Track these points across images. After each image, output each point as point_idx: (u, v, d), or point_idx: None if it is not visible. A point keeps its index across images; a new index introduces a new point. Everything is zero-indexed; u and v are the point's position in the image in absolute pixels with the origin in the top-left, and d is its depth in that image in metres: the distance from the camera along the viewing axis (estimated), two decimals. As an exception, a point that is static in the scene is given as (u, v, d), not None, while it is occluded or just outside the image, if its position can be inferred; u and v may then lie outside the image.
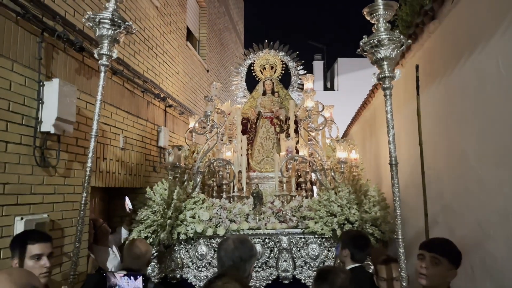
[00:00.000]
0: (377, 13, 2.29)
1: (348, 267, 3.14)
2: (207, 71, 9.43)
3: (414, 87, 3.67)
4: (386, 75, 2.35)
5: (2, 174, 2.88)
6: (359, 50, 2.42)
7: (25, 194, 3.09)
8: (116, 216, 5.41)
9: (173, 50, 6.90)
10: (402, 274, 2.30)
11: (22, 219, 3.04)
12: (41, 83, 3.24)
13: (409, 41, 2.39)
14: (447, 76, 3.12)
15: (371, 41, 2.30)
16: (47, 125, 3.24)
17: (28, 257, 2.36)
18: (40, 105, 3.25)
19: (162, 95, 6.06)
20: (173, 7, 7.02)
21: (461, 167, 2.95)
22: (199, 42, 9.42)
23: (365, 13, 2.34)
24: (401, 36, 2.32)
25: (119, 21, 2.56)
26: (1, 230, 2.82)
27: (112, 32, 2.57)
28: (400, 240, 2.26)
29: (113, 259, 4.19)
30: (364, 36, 2.37)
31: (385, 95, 2.38)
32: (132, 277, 2.81)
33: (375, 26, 2.35)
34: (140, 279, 2.80)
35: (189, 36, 8.49)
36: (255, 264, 4.16)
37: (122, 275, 2.80)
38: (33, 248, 2.39)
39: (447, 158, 3.19)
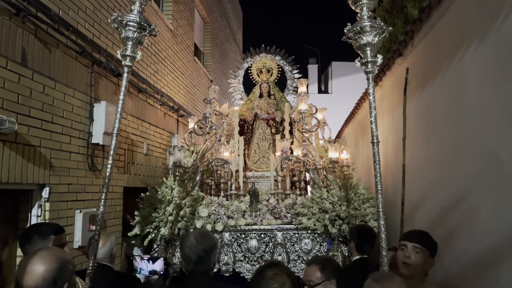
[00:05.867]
0: (360, 2, 2.58)
1: (354, 258, 3.51)
2: (211, 81, 10.78)
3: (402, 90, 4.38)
4: (369, 60, 2.60)
5: (67, 177, 4.07)
6: (344, 37, 2.65)
7: (81, 192, 4.26)
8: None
9: (183, 66, 8.31)
10: (383, 253, 2.51)
11: (80, 212, 4.17)
12: (92, 105, 4.47)
13: (390, 28, 2.65)
14: (420, 93, 4.02)
15: (354, 28, 2.57)
16: (96, 138, 4.47)
17: (56, 246, 2.55)
18: (91, 122, 4.46)
19: (175, 107, 7.47)
20: (184, 27, 8.42)
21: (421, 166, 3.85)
22: (203, 55, 10.87)
23: (350, 2, 2.61)
24: (382, 23, 2.58)
25: (145, 24, 2.73)
26: (66, 220, 3.98)
27: (138, 34, 2.73)
28: (381, 212, 2.50)
29: (137, 248, 5.05)
30: (348, 24, 2.60)
31: (367, 79, 2.67)
32: (151, 261, 3.30)
33: (358, 14, 2.61)
34: (159, 261, 3.31)
35: (195, 50, 9.92)
36: (251, 258, 4.75)
37: (146, 258, 3.35)
38: (58, 239, 2.61)
39: (415, 156, 4.03)
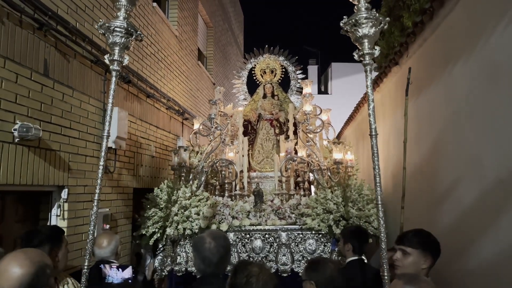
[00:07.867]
0: None
1: (349, 259, 3.74)
2: (214, 84, 11.54)
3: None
4: (366, 52, 2.65)
5: (83, 179, 4.54)
6: (341, 31, 2.70)
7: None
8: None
9: (188, 70, 9.01)
10: (382, 246, 2.66)
11: (95, 211, 4.65)
12: (105, 111, 4.76)
13: (387, 18, 2.68)
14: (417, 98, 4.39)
15: (350, 21, 2.63)
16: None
17: (65, 246, 2.99)
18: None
19: (180, 111, 8.14)
20: (188, 33, 9.10)
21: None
22: (206, 59, 11.62)
23: None
24: (377, 14, 2.62)
25: (132, 30, 2.90)
26: (82, 219, 4.46)
27: (124, 40, 2.90)
28: (380, 205, 2.63)
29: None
30: (345, 17, 2.65)
31: (365, 71, 2.71)
32: (120, 269, 3.35)
33: (355, 7, 2.65)
34: (128, 269, 3.35)
35: (199, 54, 10.67)
36: (256, 258, 4.95)
37: (115, 266, 3.43)
38: (65, 238, 3.00)
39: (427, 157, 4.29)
